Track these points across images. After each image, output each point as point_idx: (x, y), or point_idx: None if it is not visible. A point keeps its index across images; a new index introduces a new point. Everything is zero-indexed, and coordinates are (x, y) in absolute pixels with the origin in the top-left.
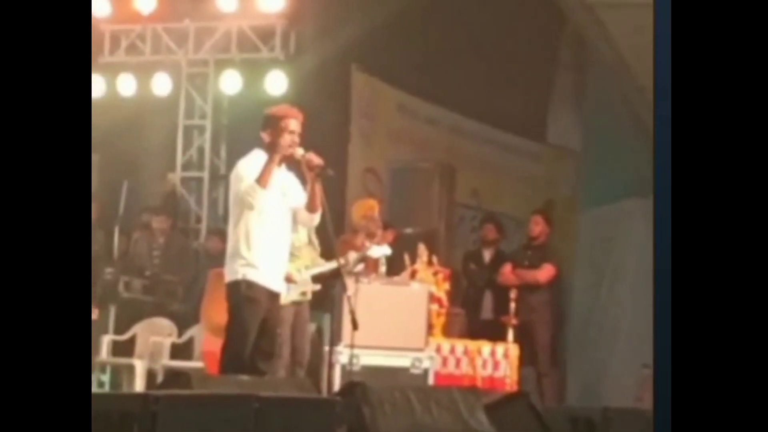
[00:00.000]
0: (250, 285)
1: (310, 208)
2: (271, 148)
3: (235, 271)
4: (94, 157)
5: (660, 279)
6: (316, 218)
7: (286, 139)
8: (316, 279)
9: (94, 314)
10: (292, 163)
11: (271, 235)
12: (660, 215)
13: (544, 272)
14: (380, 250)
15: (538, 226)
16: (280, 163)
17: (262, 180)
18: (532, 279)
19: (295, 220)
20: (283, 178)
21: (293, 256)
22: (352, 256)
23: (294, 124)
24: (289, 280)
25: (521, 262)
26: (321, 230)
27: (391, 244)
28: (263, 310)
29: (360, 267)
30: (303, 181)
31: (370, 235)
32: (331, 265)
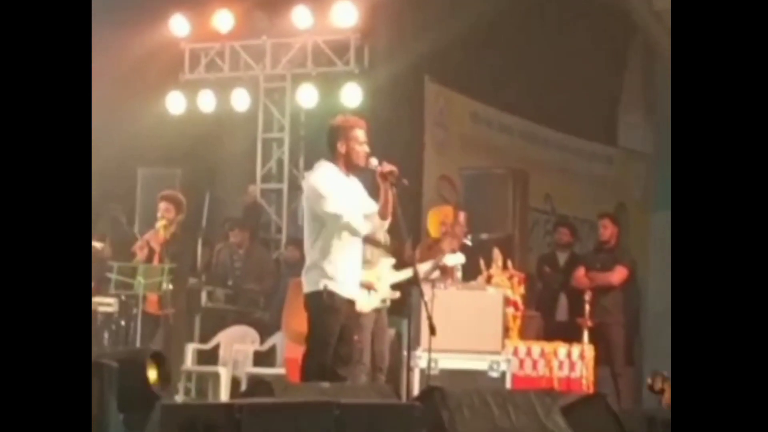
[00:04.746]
0: (330, 295)
1: (383, 215)
2: (346, 160)
3: (314, 281)
4: (177, 171)
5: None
6: (386, 224)
7: (358, 149)
8: (394, 287)
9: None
10: (362, 172)
11: (348, 245)
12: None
13: (617, 274)
14: (455, 258)
15: (607, 230)
16: (349, 173)
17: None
18: (605, 281)
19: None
20: (354, 186)
21: (371, 263)
22: (426, 266)
23: (362, 134)
24: (369, 287)
25: (594, 265)
26: (397, 238)
27: (462, 249)
28: (342, 318)
29: (436, 274)
30: (373, 187)
31: (455, 240)
32: (409, 273)
